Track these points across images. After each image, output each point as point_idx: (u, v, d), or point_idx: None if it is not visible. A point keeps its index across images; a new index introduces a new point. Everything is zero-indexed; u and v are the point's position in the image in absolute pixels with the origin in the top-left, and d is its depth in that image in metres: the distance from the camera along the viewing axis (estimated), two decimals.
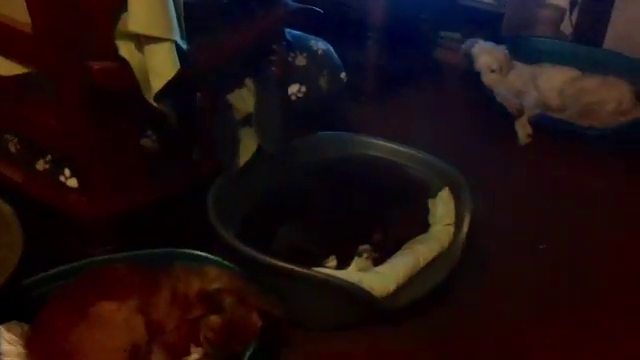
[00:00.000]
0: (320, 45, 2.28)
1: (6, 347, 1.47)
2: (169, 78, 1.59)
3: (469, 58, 3.05)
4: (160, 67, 1.58)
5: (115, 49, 1.57)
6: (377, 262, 1.93)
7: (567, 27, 3.33)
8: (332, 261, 1.88)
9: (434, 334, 1.88)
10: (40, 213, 1.76)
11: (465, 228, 1.97)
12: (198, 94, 1.89)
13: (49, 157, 1.77)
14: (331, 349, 1.82)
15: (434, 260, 1.95)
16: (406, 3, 3.08)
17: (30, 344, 1.51)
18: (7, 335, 1.49)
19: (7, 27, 1.57)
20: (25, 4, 1.48)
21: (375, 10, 2.89)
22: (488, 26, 3.30)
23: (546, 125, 2.82)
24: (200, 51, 1.78)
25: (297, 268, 1.73)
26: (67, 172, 1.74)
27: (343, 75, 2.32)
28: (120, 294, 1.55)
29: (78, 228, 1.76)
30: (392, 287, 1.81)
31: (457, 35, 3.36)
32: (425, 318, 1.89)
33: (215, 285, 1.62)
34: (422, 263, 1.91)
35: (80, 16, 1.50)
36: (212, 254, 1.81)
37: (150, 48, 1.57)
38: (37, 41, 1.52)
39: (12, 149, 1.83)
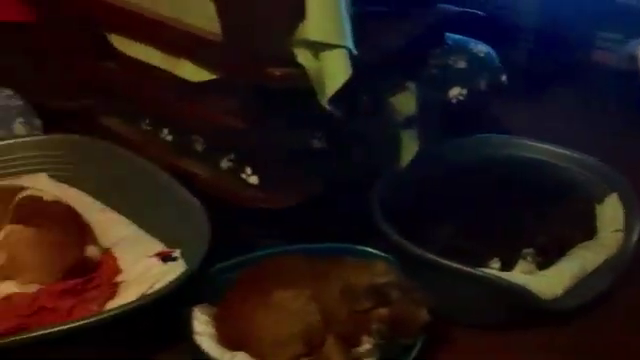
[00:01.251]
0: (480, 48, 2.32)
1: (199, 327, 1.63)
2: (342, 82, 1.69)
3: (633, 60, 2.93)
4: (334, 72, 1.68)
5: (293, 56, 1.70)
6: (541, 266, 1.93)
7: None
8: (495, 263, 1.90)
9: (597, 340, 1.85)
10: (223, 207, 1.92)
11: (635, 236, 1.93)
12: (364, 97, 1.99)
13: (232, 156, 1.93)
14: (488, 347, 1.84)
15: (600, 266, 1.92)
16: (561, 4, 3.03)
17: (217, 325, 1.66)
18: (200, 316, 1.65)
19: (198, 37, 1.74)
20: (217, 17, 1.64)
21: (529, 11, 2.86)
22: None
23: None
24: (364, 55, 1.87)
25: (466, 268, 1.77)
26: (248, 170, 1.89)
27: (504, 78, 2.33)
28: (296, 283, 1.67)
29: (257, 221, 1.91)
30: (559, 291, 1.81)
31: (618, 36, 3.24)
32: (590, 323, 1.87)
33: (383, 279, 1.69)
34: (589, 269, 1.89)
35: (263, 27, 1.64)
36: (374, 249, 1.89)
37: (326, 55, 1.67)
38: (225, 50, 1.68)
39: (198, 148, 2.01)
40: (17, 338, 1.54)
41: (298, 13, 1.62)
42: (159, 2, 1.82)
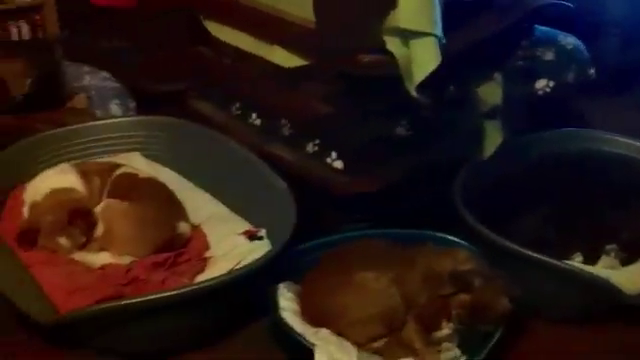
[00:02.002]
0: (569, 40, 2.28)
1: (285, 303, 1.70)
2: (431, 70, 1.71)
3: None
4: (424, 60, 1.71)
5: (382, 43, 1.73)
6: (625, 262, 1.90)
7: None
8: (578, 257, 1.89)
9: None
10: (308, 190, 1.97)
11: None
12: (450, 86, 2.00)
13: (318, 141, 1.99)
14: (567, 340, 1.83)
15: None
16: None
17: (301, 302, 1.72)
18: (286, 293, 1.71)
19: (291, 23, 1.80)
20: (311, 4, 1.69)
21: (618, 4, 2.80)
22: None
23: None
24: (452, 44, 1.89)
25: (550, 260, 1.76)
26: (333, 155, 1.94)
27: (592, 71, 2.30)
28: (379, 265, 1.71)
29: (340, 205, 1.96)
30: None
31: None
32: None
33: (465, 266, 1.70)
34: None
35: (354, 15, 1.68)
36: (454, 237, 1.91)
37: (416, 42, 1.70)
38: (317, 36, 1.73)
39: (286, 133, 2.07)
40: (115, 305, 1.64)
41: (389, 1, 1.65)
42: None
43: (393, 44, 1.73)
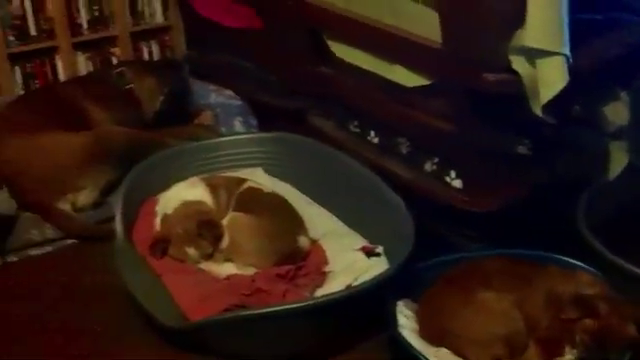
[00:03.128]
0: None
1: (403, 320, 1.71)
2: (558, 90, 1.69)
3: None
4: (551, 79, 1.69)
5: (508, 62, 1.72)
6: None
7: None
8: None
9: None
10: (425, 207, 1.98)
11: None
12: (576, 105, 1.96)
13: (436, 159, 2.00)
14: None
15: None
16: None
17: (420, 320, 1.73)
18: (404, 310, 1.73)
19: (416, 43, 1.82)
20: (439, 25, 1.71)
21: None
22: None
23: None
24: (578, 63, 1.85)
25: None
26: (452, 173, 1.94)
27: None
28: (500, 286, 1.69)
29: (458, 223, 1.96)
30: None
31: None
32: None
33: (590, 291, 1.66)
34: None
35: (482, 35, 1.69)
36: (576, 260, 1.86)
37: (543, 62, 1.68)
38: (443, 56, 1.74)
39: (403, 151, 2.10)
40: (240, 314, 1.72)
41: (517, 21, 1.64)
42: (380, 10, 1.93)
43: (519, 63, 1.72)
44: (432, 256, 1.91)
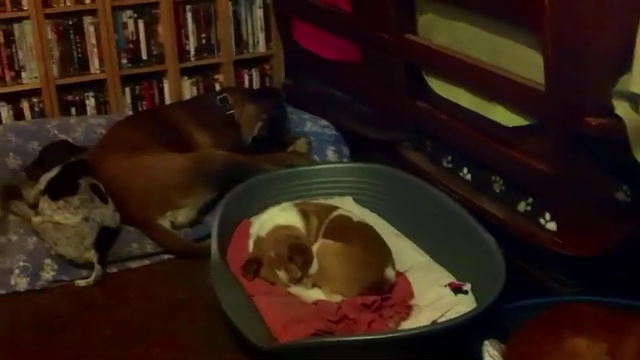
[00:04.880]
0: None
1: None
2: None
3: None
4: None
5: (611, 107, 1.70)
6: None
7: None
8: None
9: None
10: (517, 248, 1.97)
11: None
12: None
13: (531, 200, 1.98)
14: None
15: None
16: None
17: None
18: (491, 351, 1.71)
19: (518, 84, 1.82)
20: (542, 67, 1.71)
21: None
22: None
23: None
24: None
25: None
26: (547, 215, 1.92)
27: None
28: (592, 333, 1.64)
29: (551, 266, 1.93)
30: None
31: None
32: None
33: None
34: None
35: (587, 79, 1.68)
36: None
37: None
38: (547, 98, 1.74)
39: (497, 189, 2.09)
40: (328, 340, 1.75)
41: (624, 66, 1.63)
42: (482, 49, 1.95)
43: (622, 108, 1.69)
44: (521, 298, 1.89)
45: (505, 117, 1.94)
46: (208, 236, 2.24)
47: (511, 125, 1.91)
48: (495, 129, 1.99)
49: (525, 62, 1.80)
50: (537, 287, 1.95)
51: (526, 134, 1.91)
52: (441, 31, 2.12)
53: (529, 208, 1.98)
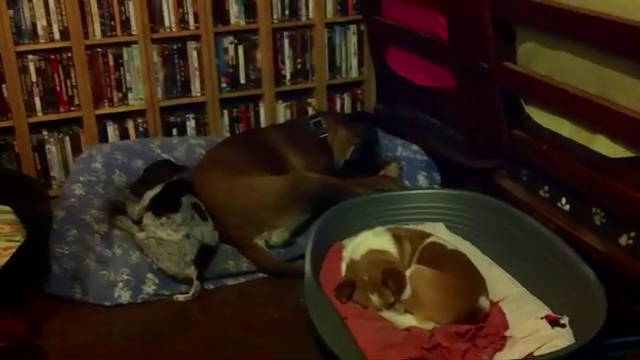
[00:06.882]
0: None
1: None
2: None
3: None
4: None
5: None
6: None
7: None
8: None
9: None
10: (617, 282, 1.91)
11: None
12: None
13: (634, 234, 1.92)
14: None
15: None
16: None
17: None
18: None
19: (621, 114, 1.79)
20: None
21: None
22: None
23: None
24: None
25: None
26: None
27: None
28: None
29: None
30: None
31: None
32: None
33: None
34: None
35: None
36: None
37: None
38: None
39: (597, 221, 2.04)
40: None
41: None
42: (585, 79, 1.92)
43: None
44: (622, 334, 1.84)
45: (608, 148, 1.90)
46: (300, 257, 2.29)
47: (613, 156, 1.86)
48: (596, 160, 1.95)
49: (632, 94, 1.76)
50: (638, 324, 1.89)
51: (630, 166, 1.86)
52: (542, 60, 2.10)
53: (631, 242, 1.92)
